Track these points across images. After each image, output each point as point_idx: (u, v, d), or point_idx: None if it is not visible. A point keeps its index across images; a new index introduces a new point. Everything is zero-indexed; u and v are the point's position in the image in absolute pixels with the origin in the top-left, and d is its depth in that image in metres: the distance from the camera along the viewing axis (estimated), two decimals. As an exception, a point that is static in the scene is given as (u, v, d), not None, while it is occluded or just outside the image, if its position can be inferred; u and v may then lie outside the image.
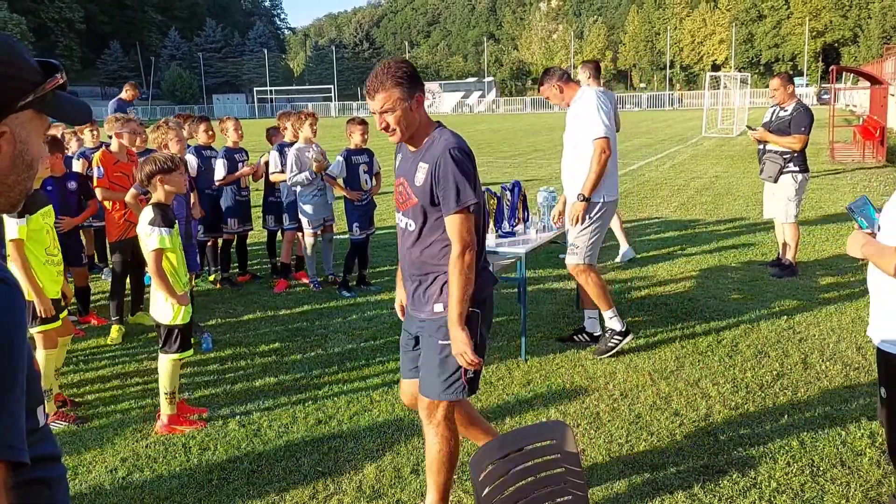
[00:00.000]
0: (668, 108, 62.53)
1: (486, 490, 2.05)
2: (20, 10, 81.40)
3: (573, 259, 5.38)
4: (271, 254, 8.01)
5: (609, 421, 4.32)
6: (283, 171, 7.23)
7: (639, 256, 8.38)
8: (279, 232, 7.84)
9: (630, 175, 16.14)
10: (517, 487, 2.10)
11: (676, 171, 16.60)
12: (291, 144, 7.29)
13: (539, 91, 5.73)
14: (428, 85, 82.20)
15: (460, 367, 3.02)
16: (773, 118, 7.59)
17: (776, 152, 7.46)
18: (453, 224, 2.93)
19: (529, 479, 2.13)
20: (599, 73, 6.06)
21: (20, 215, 4.27)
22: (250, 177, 7.64)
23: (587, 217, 5.28)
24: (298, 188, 7.16)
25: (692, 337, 5.70)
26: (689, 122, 37.51)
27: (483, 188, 5.78)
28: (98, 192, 6.19)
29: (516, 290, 6.74)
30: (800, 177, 7.38)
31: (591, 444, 4.04)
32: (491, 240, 5.61)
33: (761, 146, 7.70)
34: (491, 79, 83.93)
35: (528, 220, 6.04)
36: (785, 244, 7.54)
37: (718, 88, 36.61)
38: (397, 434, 4.24)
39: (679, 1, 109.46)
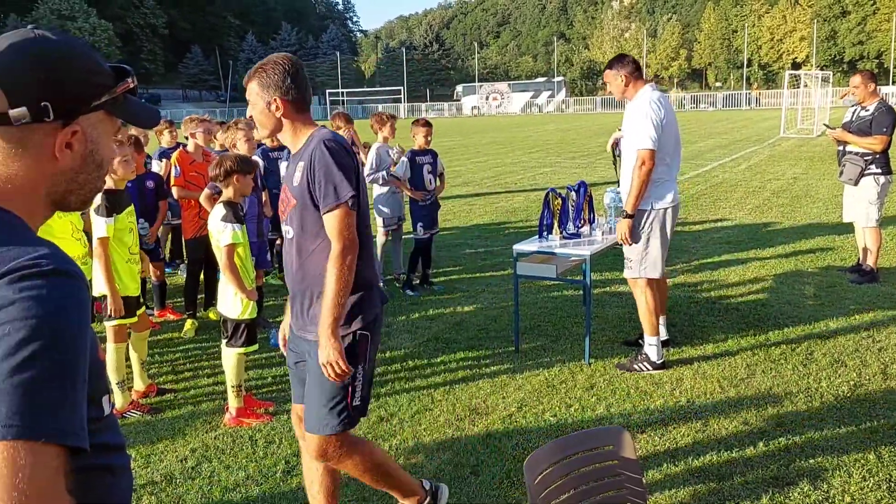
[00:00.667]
0: (745, 108, 60.73)
1: (542, 494, 2.02)
2: (108, 17, 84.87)
3: (629, 273, 5.20)
4: None
5: (674, 428, 4.23)
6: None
7: (710, 260, 8.17)
8: None
9: (703, 176, 15.75)
10: (573, 493, 2.07)
11: (752, 173, 16.12)
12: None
13: (604, 74, 5.53)
14: (496, 85, 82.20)
15: (347, 391, 2.80)
16: (854, 118, 7.28)
17: (857, 154, 7.16)
18: (331, 221, 2.68)
19: (586, 484, 2.10)
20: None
21: (108, 214, 4.46)
22: None
23: (636, 230, 5.05)
24: (375, 187, 7.28)
25: (764, 344, 5.52)
26: (766, 122, 36.35)
27: (548, 188, 5.76)
28: (175, 191, 6.41)
29: (581, 292, 6.67)
30: (882, 179, 7.06)
31: (655, 451, 3.96)
32: (556, 241, 5.56)
33: (841, 147, 7.41)
34: (561, 78, 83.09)
35: (594, 221, 5.96)
36: (865, 249, 7.22)
37: (798, 87, 35.34)
38: (457, 434, 4.24)
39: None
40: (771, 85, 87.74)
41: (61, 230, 4.79)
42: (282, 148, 7.55)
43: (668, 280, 5.29)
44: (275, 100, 2.72)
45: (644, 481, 2.31)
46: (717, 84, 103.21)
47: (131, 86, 1.26)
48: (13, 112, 1.12)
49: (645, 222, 5.04)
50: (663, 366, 5.09)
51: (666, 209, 5.05)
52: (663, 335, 5.42)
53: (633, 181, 4.92)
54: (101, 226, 4.44)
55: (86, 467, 1.14)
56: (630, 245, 5.07)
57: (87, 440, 1.00)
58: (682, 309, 6.40)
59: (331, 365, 2.68)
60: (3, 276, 1.01)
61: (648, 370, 5.05)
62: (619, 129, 8.19)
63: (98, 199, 4.45)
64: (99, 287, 4.58)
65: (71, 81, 1.17)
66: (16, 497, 0.90)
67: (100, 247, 4.45)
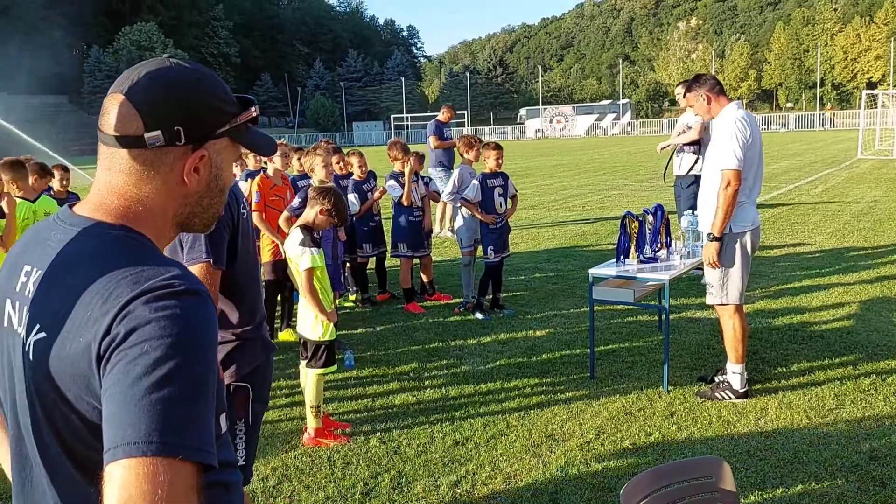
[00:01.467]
0: (819, 129, 58.97)
1: (639, 524, 1.97)
2: (184, 47, 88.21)
3: (711, 299, 5.02)
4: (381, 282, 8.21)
5: (762, 459, 4.08)
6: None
7: (790, 286, 7.91)
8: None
9: (778, 199, 15.33)
10: (672, 523, 2.01)
11: (830, 195, 15.60)
12: (401, 174, 7.61)
13: (684, 97, 5.42)
14: (560, 108, 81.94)
15: None
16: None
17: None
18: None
19: (685, 515, 2.04)
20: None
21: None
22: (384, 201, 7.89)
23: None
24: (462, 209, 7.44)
25: (853, 374, 5.29)
26: (841, 143, 35.22)
27: (624, 211, 5.69)
28: (254, 217, 6.56)
29: (656, 317, 6.54)
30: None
31: (744, 482, 3.82)
32: (633, 265, 5.48)
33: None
34: (626, 101, 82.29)
35: (670, 245, 5.85)
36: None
37: (875, 107, 34.12)
38: (534, 461, 4.19)
39: (830, 17, 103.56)
40: (845, 105, 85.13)
41: None
42: (349, 175, 7.69)
43: (744, 306, 5.08)
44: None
45: (740, 514, 2.23)
46: (789, 105, 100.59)
47: (254, 115, 1.31)
48: (148, 135, 1.17)
49: (725, 246, 4.88)
50: (746, 395, 4.92)
51: (745, 232, 4.88)
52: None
53: (718, 202, 4.76)
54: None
55: (208, 484, 1.17)
56: (717, 269, 4.93)
57: (216, 457, 1.03)
58: (764, 336, 6.20)
59: None
60: (140, 295, 1.04)
61: (731, 398, 4.90)
62: (680, 133, 8.05)
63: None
64: None
65: (202, 108, 1.22)
66: None
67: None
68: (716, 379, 5.15)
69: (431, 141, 11.92)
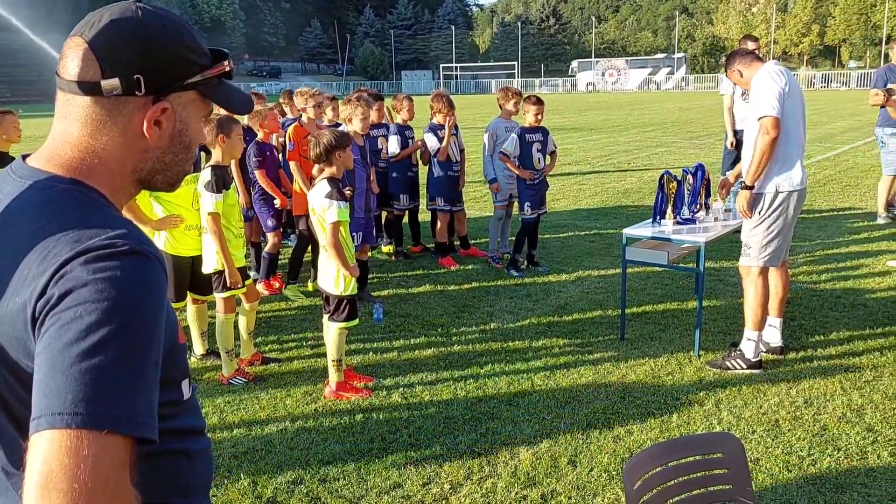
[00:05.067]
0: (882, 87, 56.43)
1: (642, 499, 1.91)
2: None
3: (745, 261, 4.80)
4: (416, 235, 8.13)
5: (789, 430, 3.96)
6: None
7: (836, 251, 7.64)
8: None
9: (832, 161, 14.76)
10: (676, 500, 1.94)
11: (888, 158, 14.93)
12: (440, 127, 7.44)
13: (727, 76, 5.26)
14: (613, 61, 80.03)
15: None
16: None
17: None
18: None
19: (689, 492, 1.96)
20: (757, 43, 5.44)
21: (217, 190, 4.56)
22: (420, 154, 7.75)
23: (757, 211, 4.67)
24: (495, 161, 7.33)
25: (895, 345, 5.10)
26: (907, 102, 33.67)
27: (663, 171, 5.50)
28: (292, 166, 6.53)
29: (693, 280, 6.37)
30: None
31: (767, 454, 3.72)
32: (669, 226, 5.32)
33: None
34: (682, 55, 79.82)
35: (709, 206, 5.66)
36: None
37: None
38: (556, 421, 4.14)
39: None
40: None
41: (182, 199, 4.91)
42: (380, 125, 7.58)
43: (789, 270, 4.89)
44: None
45: (753, 490, 2.14)
46: (851, 63, 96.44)
47: (227, 69, 1.24)
48: (105, 82, 1.11)
49: (768, 206, 4.65)
50: (759, 365, 4.73)
51: (791, 192, 4.63)
52: (776, 341, 5.02)
53: (755, 150, 4.55)
54: (210, 202, 4.54)
55: (161, 452, 1.12)
56: (749, 218, 4.73)
57: (155, 429, 0.97)
58: (804, 302, 6.01)
59: None
60: (79, 255, 0.99)
61: (742, 368, 4.73)
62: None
63: (208, 175, 4.56)
64: (211, 263, 4.72)
65: (166, 57, 1.15)
66: (76, 489, 0.87)
67: (213, 222, 4.56)
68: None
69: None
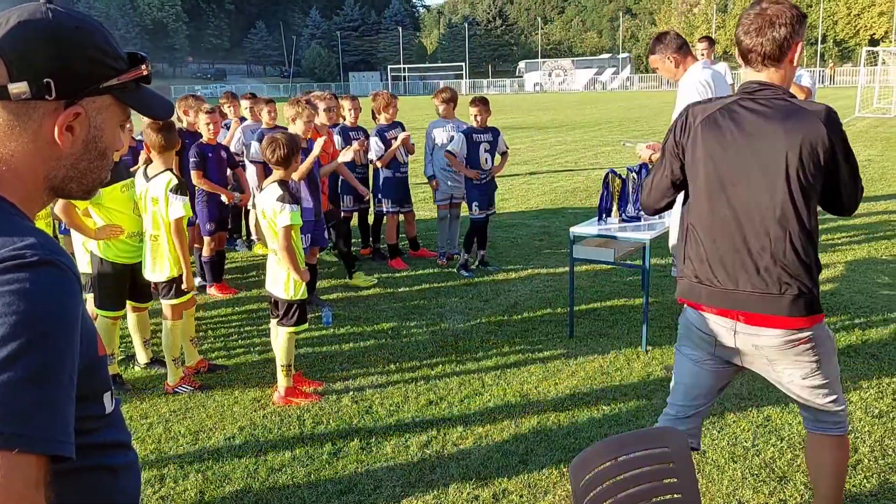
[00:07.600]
0: (819, 86, 58.31)
1: (588, 497, 1.92)
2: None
3: (675, 271, 4.93)
4: (375, 237, 8.08)
5: (734, 422, 4.05)
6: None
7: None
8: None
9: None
10: (622, 496, 1.95)
11: (824, 154, 15.40)
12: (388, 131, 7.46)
13: (648, 60, 5.26)
14: (559, 62, 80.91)
15: None
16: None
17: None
18: None
19: (635, 487, 1.98)
20: (713, 46, 5.56)
21: (184, 193, 4.49)
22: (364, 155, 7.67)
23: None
24: (437, 161, 7.44)
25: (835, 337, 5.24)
26: (840, 100, 34.79)
27: (608, 170, 5.57)
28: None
29: (640, 276, 6.47)
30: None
31: (714, 446, 3.79)
32: (615, 224, 5.38)
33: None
34: (626, 55, 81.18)
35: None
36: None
37: (876, 65, 33.61)
38: (507, 420, 4.15)
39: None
40: (846, 62, 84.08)
41: (122, 205, 4.77)
42: (359, 128, 7.49)
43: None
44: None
45: (698, 483, 2.18)
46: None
47: (144, 73, 1.20)
48: (13, 87, 1.06)
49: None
50: None
51: None
52: None
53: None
54: (178, 206, 4.47)
55: (83, 468, 1.08)
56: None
57: (70, 446, 0.93)
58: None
59: None
60: None
61: None
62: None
63: (174, 179, 4.50)
64: (165, 271, 4.62)
65: (77, 60, 1.10)
66: None
67: (177, 226, 4.50)
68: None
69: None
